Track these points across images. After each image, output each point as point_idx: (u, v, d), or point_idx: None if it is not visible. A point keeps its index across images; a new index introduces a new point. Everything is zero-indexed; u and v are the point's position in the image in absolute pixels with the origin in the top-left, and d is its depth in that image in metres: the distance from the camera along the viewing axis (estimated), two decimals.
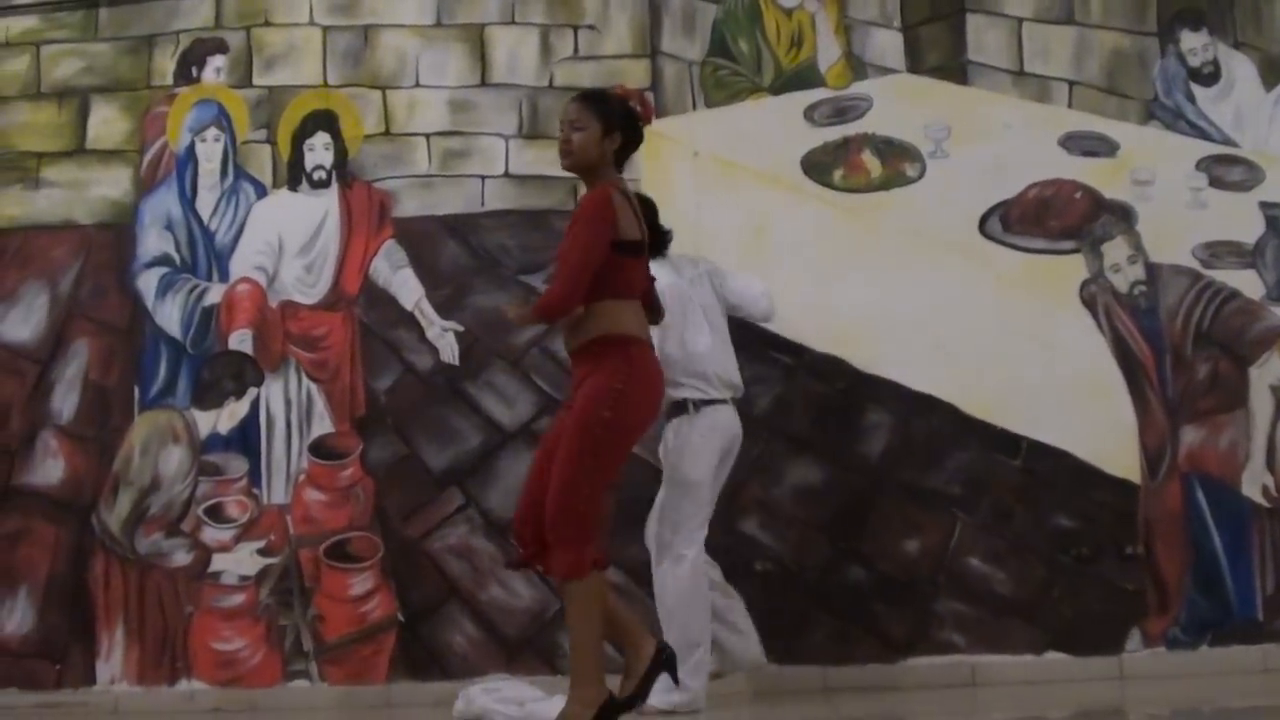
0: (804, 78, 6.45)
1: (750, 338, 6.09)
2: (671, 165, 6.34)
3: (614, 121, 4.70)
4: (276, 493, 6.34)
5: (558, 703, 5.24)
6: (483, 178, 6.46)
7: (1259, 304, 6.19)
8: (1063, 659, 5.97)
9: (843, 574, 6.04)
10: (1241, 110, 6.45)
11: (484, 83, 6.52)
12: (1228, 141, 6.42)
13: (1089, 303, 6.17)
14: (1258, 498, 6.07)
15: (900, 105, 6.37)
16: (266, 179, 6.54)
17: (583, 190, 4.84)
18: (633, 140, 4.77)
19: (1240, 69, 6.52)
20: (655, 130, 6.19)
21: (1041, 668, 5.95)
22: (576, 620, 4.49)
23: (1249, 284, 6.20)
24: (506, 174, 6.46)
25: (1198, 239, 6.24)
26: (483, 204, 6.46)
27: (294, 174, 6.52)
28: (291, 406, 6.40)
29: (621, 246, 4.58)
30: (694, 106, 6.46)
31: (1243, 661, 5.97)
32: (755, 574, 6.04)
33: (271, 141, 6.55)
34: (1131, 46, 6.49)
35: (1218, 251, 6.26)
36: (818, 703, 5.73)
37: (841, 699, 5.77)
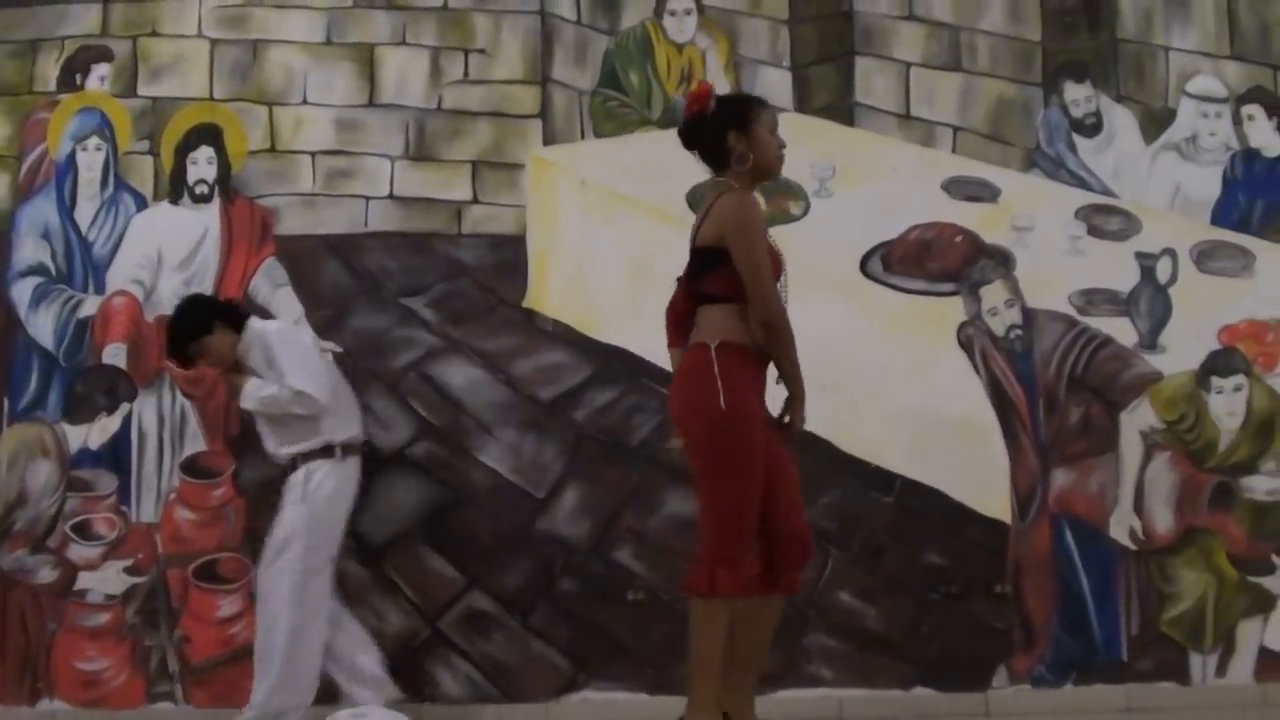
0: None
1: (628, 368, 6.27)
2: (558, 193, 6.50)
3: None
4: (146, 510, 6.38)
5: None
6: (367, 198, 6.57)
7: (1131, 351, 6.47)
8: (930, 694, 6.18)
9: None
10: (1121, 162, 6.73)
11: (372, 103, 6.63)
12: (1107, 192, 6.70)
13: (966, 345, 6.40)
14: (1125, 540, 6.33)
15: (787, 143, 6.51)
16: (148, 191, 6.60)
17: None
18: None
19: (1121, 121, 6.80)
20: (543, 158, 6.45)
21: (909, 703, 6.14)
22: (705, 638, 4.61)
23: (1122, 331, 6.46)
24: (391, 195, 6.57)
25: (1074, 286, 6.50)
26: (366, 225, 6.56)
27: (176, 187, 6.58)
28: (164, 423, 6.44)
29: None
30: (583, 136, 6.62)
31: (1106, 701, 6.23)
32: (628, 603, 6.19)
33: (154, 153, 6.61)
34: (1016, 95, 6.75)
35: (1093, 299, 6.52)
36: None
37: None
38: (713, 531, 4.56)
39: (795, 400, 4.72)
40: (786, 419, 4.76)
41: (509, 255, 6.47)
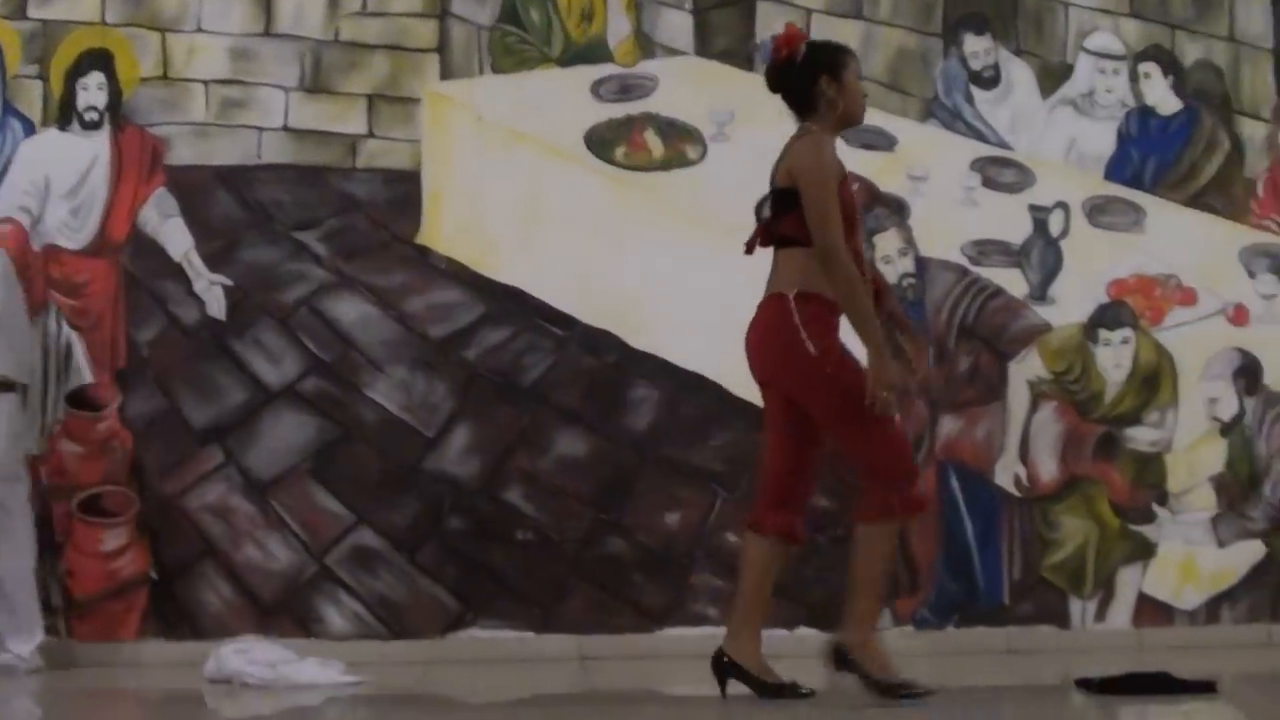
0: (592, 52, 6.65)
1: (522, 308, 6.32)
2: (454, 129, 6.50)
3: None
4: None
5: (310, 665, 5.41)
6: (260, 130, 6.53)
7: (1021, 302, 6.61)
8: (814, 634, 6.24)
9: (603, 545, 6.29)
10: (1018, 115, 6.85)
11: (267, 32, 6.56)
12: (1002, 144, 6.82)
13: None
14: (1009, 487, 6.50)
15: (686, 87, 6.61)
16: (36, 116, 6.50)
17: None
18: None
19: (1019, 75, 6.92)
20: (440, 93, 6.45)
21: (793, 643, 6.18)
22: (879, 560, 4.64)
23: (1014, 283, 6.60)
24: (285, 127, 6.53)
25: (967, 236, 6.63)
26: (259, 156, 6.52)
27: (65, 113, 6.49)
28: (50, 355, 6.38)
29: None
30: (481, 71, 6.61)
31: (987, 643, 6.40)
32: (516, 543, 6.25)
33: (43, 78, 6.51)
34: (916, 45, 6.84)
35: (985, 249, 6.65)
36: (573, 671, 5.94)
37: (597, 668, 5.99)
38: (873, 459, 4.51)
39: (870, 353, 4.44)
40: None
41: (403, 191, 6.47)
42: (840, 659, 4.60)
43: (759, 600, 4.72)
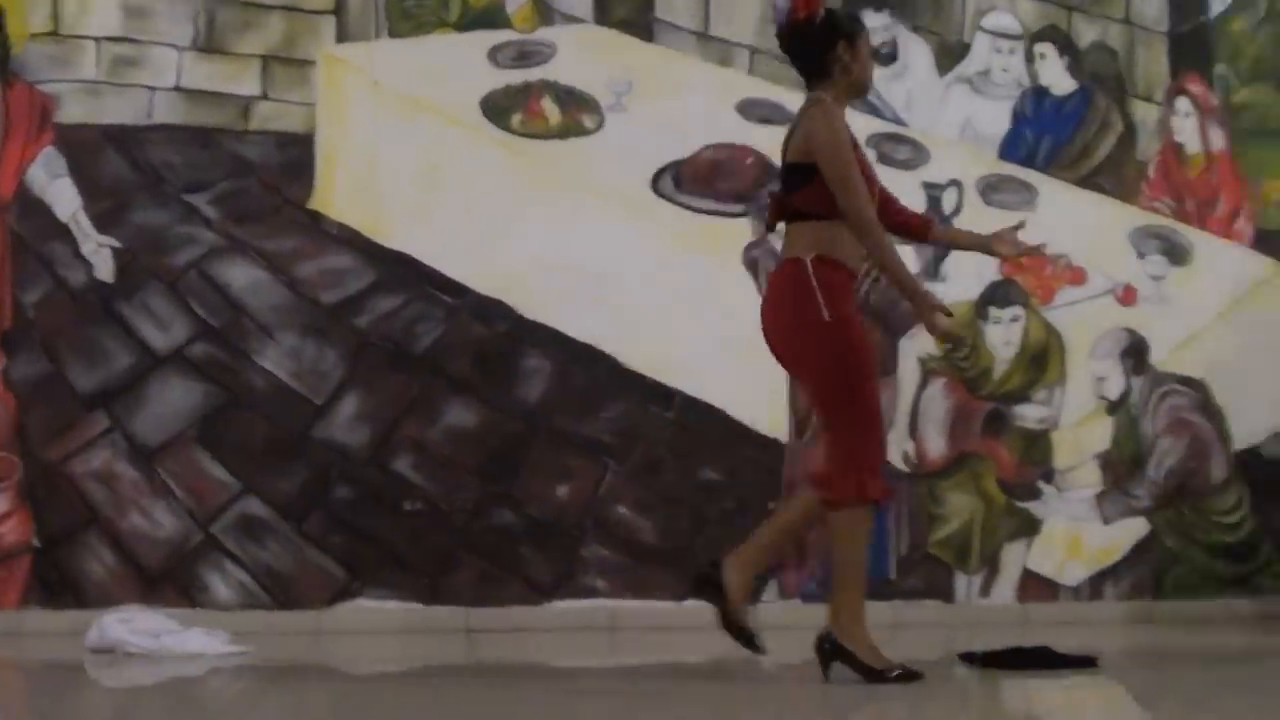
0: (491, 18, 6.59)
1: (414, 276, 6.29)
2: (350, 93, 6.43)
3: None
4: None
5: (194, 635, 5.36)
6: (152, 89, 6.43)
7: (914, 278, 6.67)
8: (701, 607, 6.29)
9: (492, 516, 6.28)
10: (914, 92, 6.91)
11: None
12: (898, 120, 6.87)
13: (751, 266, 6.53)
14: (898, 463, 6.56)
15: (584, 56, 6.59)
16: None
17: None
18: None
19: (917, 52, 6.97)
20: (335, 56, 6.39)
21: (680, 615, 6.28)
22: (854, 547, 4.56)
23: (905, 258, 6.61)
24: (177, 87, 6.44)
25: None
26: (150, 116, 6.43)
27: None
28: None
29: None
30: (377, 35, 6.53)
31: (873, 617, 6.29)
32: (405, 513, 6.22)
33: None
34: None
35: None
36: (459, 643, 5.94)
37: (483, 640, 6.00)
38: (851, 440, 4.40)
39: (916, 305, 4.52)
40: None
41: (296, 154, 6.40)
42: (831, 649, 4.53)
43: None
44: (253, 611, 6.17)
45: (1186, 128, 7.25)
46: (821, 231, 4.45)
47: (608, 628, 6.23)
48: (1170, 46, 7.27)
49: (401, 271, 6.31)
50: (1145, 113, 7.19)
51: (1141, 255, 6.99)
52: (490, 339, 6.34)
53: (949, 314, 4.59)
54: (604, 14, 6.66)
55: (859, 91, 4.68)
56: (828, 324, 4.37)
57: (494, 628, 6.14)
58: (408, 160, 6.39)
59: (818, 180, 4.43)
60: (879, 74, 6.81)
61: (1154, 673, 4.88)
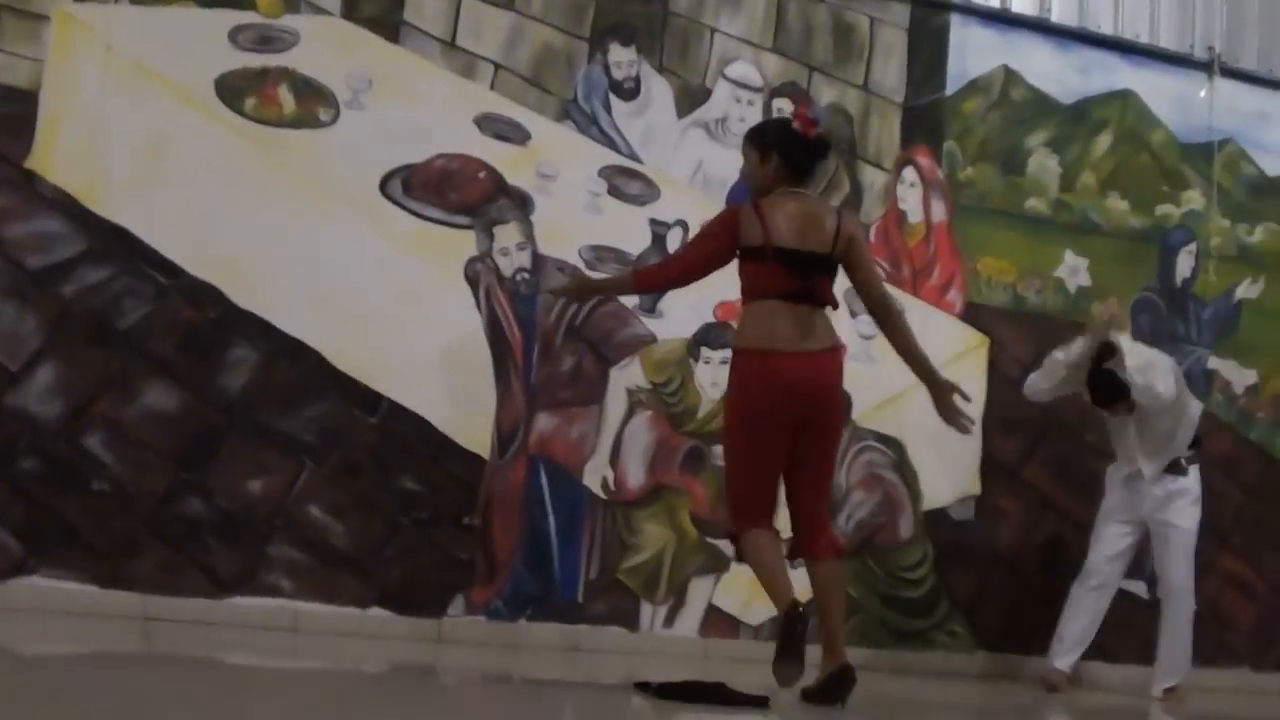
0: None
1: (127, 250, 6.15)
2: (81, 54, 6.21)
3: (768, 146, 5.37)
4: None
5: None
6: None
7: (631, 311, 6.81)
8: (386, 615, 6.34)
9: (181, 504, 6.13)
10: (652, 130, 7.05)
11: None
12: (633, 156, 7.00)
13: (472, 280, 6.58)
14: (596, 489, 6.69)
15: (327, 48, 6.51)
16: None
17: None
18: (792, 154, 5.36)
19: (659, 91, 7.12)
20: (70, 14, 6.22)
21: (364, 621, 6.28)
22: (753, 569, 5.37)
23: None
24: None
25: (587, 240, 6.78)
26: None
27: None
28: None
29: (745, 252, 5.26)
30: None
31: (556, 639, 6.57)
32: (90, 492, 6.06)
33: None
34: (563, 45, 6.95)
35: (602, 256, 6.81)
36: (135, 631, 5.81)
37: (160, 629, 5.87)
38: (731, 499, 5.41)
39: (934, 381, 5.55)
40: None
41: (18, 109, 6.13)
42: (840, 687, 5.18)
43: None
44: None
45: (910, 197, 7.58)
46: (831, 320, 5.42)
47: (289, 629, 6.16)
48: (904, 118, 7.60)
49: (115, 244, 6.15)
50: (873, 177, 7.49)
51: (854, 314, 7.24)
52: (199, 323, 6.21)
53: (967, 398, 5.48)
54: (352, 9, 6.60)
55: None
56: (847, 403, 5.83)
57: (172, 618, 6.00)
58: (134, 131, 6.21)
59: (832, 273, 5.33)
60: (620, 108, 7.01)
61: (822, 715, 5.06)
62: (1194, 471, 7.13)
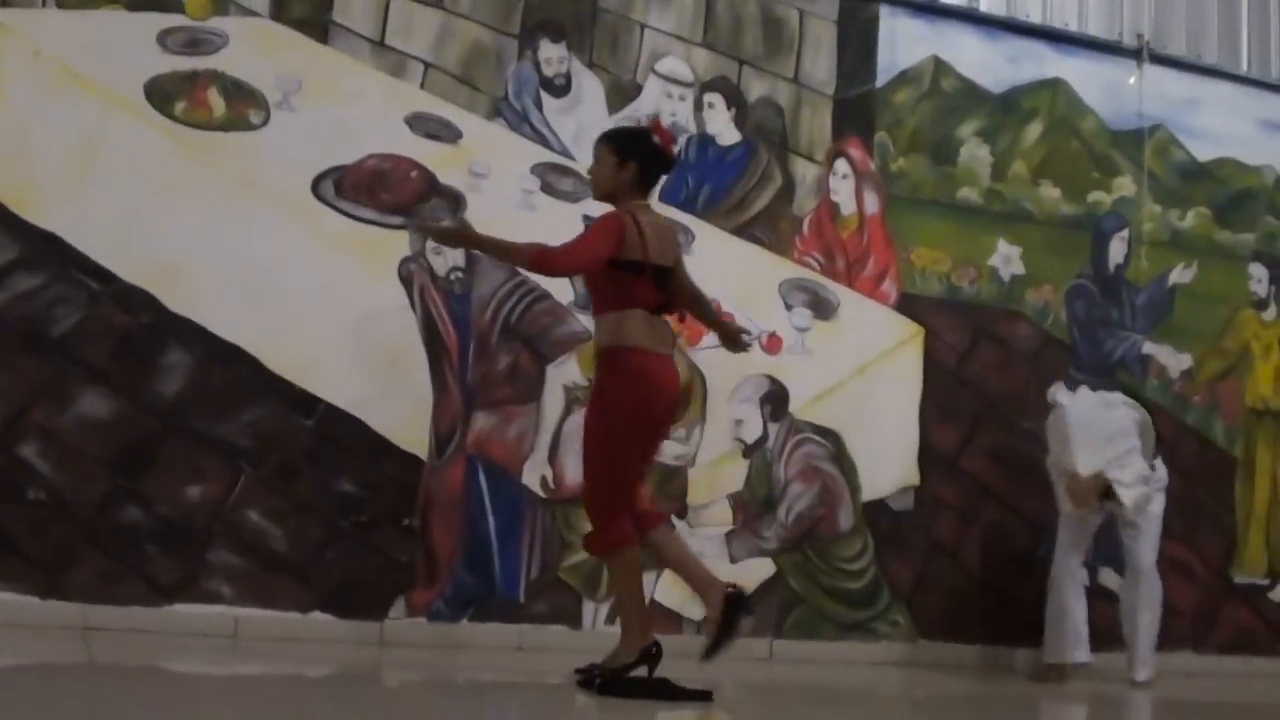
0: (164, 0, 6.46)
1: (58, 256, 6.13)
2: (9, 59, 6.17)
3: (629, 153, 5.50)
4: None
5: None
6: None
7: (566, 309, 6.85)
8: (327, 619, 6.35)
9: (118, 512, 6.11)
10: (584, 126, 7.06)
11: None
12: (566, 153, 7.04)
13: (406, 279, 6.60)
14: (535, 488, 6.72)
15: (256, 50, 6.51)
16: None
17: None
18: (651, 166, 5.56)
19: (590, 87, 7.17)
20: None
21: (305, 626, 6.28)
22: (619, 585, 5.51)
23: (561, 289, 6.82)
24: None
25: (520, 238, 6.76)
26: None
27: None
28: None
29: (622, 265, 5.33)
30: (45, 3, 6.31)
31: (499, 638, 6.60)
32: (27, 502, 6.03)
33: None
34: (492, 42, 6.99)
35: None
36: (75, 641, 5.79)
37: (100, 639, 5.85)
38: (599, 504, 5.52)
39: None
40: None
41: None
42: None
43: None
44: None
45: (843, 189, 7.65)
46: None
47: (230, 635, 6.16)
48: (835, 110, 7.68)
49: (45, 250, 6.13)
50: (805, 170, 7.57)
51: (789, 306, 7.34)
52: (132, 329, 6.19)
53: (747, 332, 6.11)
54: (280, 10, 6.61)
55: None
56: (603, 397, 5.55)
57: (112, 627, 5.99)
58: (63, 136, 6.19)
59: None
60: (551, 105, 7.05)
61: (766, 708, 5.13)
62: (1159, 463, 7.29)
